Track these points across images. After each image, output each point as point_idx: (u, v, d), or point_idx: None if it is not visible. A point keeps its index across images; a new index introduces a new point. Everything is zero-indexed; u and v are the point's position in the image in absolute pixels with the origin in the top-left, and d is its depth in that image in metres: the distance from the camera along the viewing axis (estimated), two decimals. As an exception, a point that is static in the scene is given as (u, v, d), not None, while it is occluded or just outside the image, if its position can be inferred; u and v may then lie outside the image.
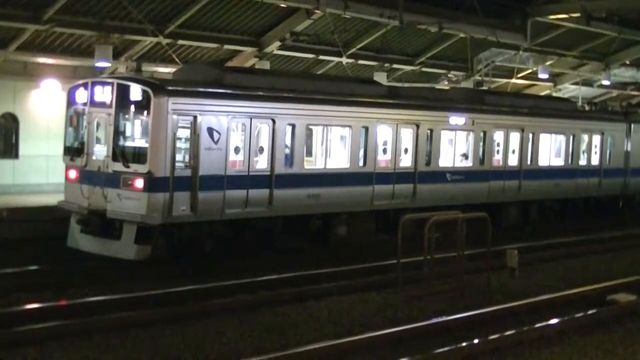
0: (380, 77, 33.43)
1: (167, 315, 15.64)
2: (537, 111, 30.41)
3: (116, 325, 14.77)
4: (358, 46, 33.57)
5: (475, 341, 14.35)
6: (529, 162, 29.55)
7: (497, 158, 28.50)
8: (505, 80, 42.70)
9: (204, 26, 28.77)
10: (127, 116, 20.07)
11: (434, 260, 18.59)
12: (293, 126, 21.83)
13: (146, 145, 19.38)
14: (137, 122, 20.07)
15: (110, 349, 13.55)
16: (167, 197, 19.15)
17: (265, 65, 30.80)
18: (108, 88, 20.06)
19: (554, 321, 16.02)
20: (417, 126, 25.15)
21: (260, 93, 21.31)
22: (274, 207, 21.38)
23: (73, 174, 20.69)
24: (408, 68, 37.22)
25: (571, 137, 31.57)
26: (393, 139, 24.56)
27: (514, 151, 29.00)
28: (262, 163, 21.29)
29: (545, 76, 42.52)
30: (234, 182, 20.38)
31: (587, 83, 47.65)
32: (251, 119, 20.85)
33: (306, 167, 22.34)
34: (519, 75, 42.80)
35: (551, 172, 30.71)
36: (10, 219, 22.62)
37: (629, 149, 34.98)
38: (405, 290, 18.12)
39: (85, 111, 20.51)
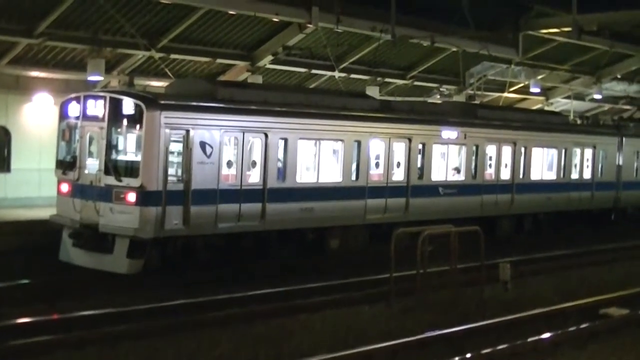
0: (373, 91, 33.47)
1: (160, 327, 15.58)
2: (529, 125, 30.49)
3: (109, 337, 14.68)
4: (350, 60, 33.62)
5: (468, 355, 14.31)
6: (521, 176, 29.61)
7: (490, 172, 28.54)
8: (497, 94, 42.77)
9: (197, 40, 28.77)
10: (119, 130, 20.06)
11: (427, 273, 18.56)
12: (285, 140, 21.84)
13: (138, 159, 19.37)
14: (130, 136, 20.03)
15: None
16: (159, 211, 19.13)
17: (258, 79, 30.82)
18: (100, 102, 20.07)
19: (547, 334, 15.99)
20: (410, 140, 25.17)
21: (253, 107, 21.33)
22: (267, 221, 21.37)
23: (65, 187, 20.68)
24: (400, 82, 37.30)
25: (563, 151, 31.66)
26: (385, 152, 24.58)
27: (506, 165, 29.05)
28: (254, 177, 21.29)
29: (537, 90, 42.59)
30: (227, 196, 20.36)
31: (579, 97, 47.74)
32: (244, 133, 20.86)
33: (299, 181, 22.34)
34: (511, 89, 42.86)
35: (544, 186, 30.75)
36: (2, 232, 22.52)
37: (620, 162, 35.12)
38: (399, 303, 18.10)
39: (77, 125, 20.53)
